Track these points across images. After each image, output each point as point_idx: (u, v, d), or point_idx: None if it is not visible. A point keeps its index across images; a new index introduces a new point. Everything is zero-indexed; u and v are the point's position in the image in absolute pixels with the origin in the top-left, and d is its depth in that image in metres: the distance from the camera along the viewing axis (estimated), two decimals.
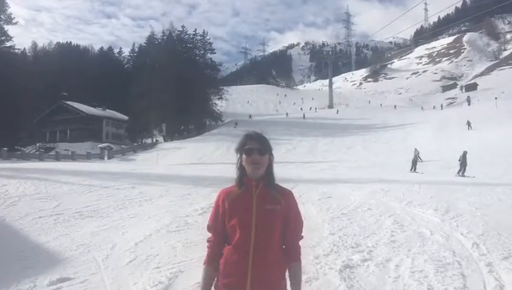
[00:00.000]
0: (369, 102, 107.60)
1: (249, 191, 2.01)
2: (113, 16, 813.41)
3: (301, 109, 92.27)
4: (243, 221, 1.97)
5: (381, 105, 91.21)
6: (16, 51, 68.23)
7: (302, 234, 2.15)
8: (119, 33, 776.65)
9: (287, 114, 76.82)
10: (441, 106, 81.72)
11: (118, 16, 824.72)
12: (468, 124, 40.97)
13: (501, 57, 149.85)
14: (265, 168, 2.05)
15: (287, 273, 2.07)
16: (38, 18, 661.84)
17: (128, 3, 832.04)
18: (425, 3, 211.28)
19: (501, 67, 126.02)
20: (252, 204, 1.98)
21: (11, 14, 62.29)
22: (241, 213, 1.98)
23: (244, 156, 2.03)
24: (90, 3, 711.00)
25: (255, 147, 2.01)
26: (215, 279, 2.04)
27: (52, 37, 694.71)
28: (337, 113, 72.83)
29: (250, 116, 76.85)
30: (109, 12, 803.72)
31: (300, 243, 2.13)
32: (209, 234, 2.12)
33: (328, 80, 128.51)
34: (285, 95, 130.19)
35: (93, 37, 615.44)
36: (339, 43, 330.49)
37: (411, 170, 22.71)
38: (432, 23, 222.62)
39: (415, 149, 25.54)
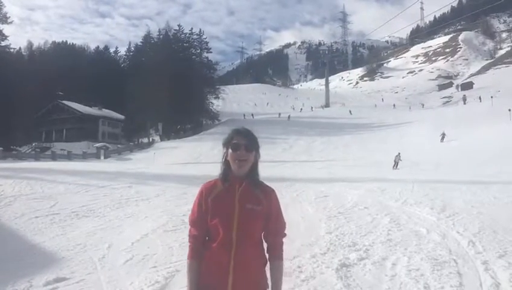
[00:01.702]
0: (382, 100, 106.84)
1: (232, 188, 2.01)
2: (107, 15, 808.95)
3: (301, 109, 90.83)
4: (225, 219, 1.97)
5: (375, 106, 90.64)
6: (11, 50, 67.91)
7: (286, 232, 2.15)
8: (114, 32, 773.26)
9: (279, 114, 75.31)
10: (422, 105, 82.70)
11: (112, 15, 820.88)
12: (443, 136, 36.42)
13: (496, 56, 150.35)
14: (251, 166, 2.05)
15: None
16: (32, 17, 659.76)
17: (123, 2, 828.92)
18: (421, 2, 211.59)
19: (497, 66, 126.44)
20: (234, 202, 1.98)
21: (7, 13, 61.95)
22: (223, 211, 1.98)
23: (230, 151, 2.02)
24: (84, 2, 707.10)
25: (242, 143, 2.00)
26: None
27: (47, 36, 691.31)
28: (350, 114, 71.08)
29: (244, 115, 76.45)
30: (103, 11, 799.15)
31: (284, 240, 2.14)
32: (191, 229, 2.10)
33: (324, 79, 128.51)
34: (283, 95, 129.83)
35: (87, 36, 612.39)
36: (336, 42, 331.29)
37: None
38: (427, 22, 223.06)
39: (398, 153, 25.57)
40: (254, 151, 2.05)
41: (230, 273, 1.93)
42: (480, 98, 64.60)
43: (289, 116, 68.73)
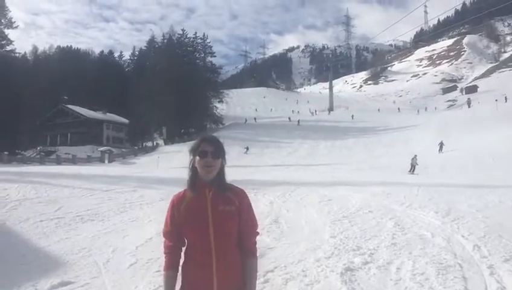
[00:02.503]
0: (394, 102, 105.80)
1: (203, 194, 2.05)
2: (111, 19, 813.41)
3: (312, 113, 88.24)
4: (200, 225, 2.00)
5: (378, 110, 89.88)
6: (17, 54, 68.36)
7: (258, 231, 2.20)
8: (118, 37, 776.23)
9: (289, 118, 73.31)
10: (425, 108, 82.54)
11: (116, 20, 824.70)
12: (441, 145, 33.27)
13: (501, 59, 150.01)
14: (217, 172, 2.09)
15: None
16: (37, 22, 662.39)
17: (126, 7, 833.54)
18: (425, 6, 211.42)
19: (501, 70, 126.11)
20: (207, 207, 2.02)
21: (12, 18, 62.48)
22: (197, 217, 2.02)
23: (197, 158, 2.05)
24: (88, 7, 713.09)
25: (209, 151, 2.05)
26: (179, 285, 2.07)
27: (51, 41, 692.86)
28: (352, 118, 69.64)
29: (246, 120, 75.72)
30: (107, 16, 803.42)
31: (258, 238, 2.18)
32: (165, 241, 2.13)
33: (327, 83, 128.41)
34: (289, 99, 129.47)
35: (91, 40, 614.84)
36: (339, 46, 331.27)
37: None
38: (431, 25, 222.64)
39: (415, 156, 24.42)
40: (221, 158, 2.09)
41: (215, 277, 1.97)
42: (506, 98, 63.43)
43: (299, 121, 67.57)
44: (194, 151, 2.08)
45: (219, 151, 2.08)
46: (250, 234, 2.14)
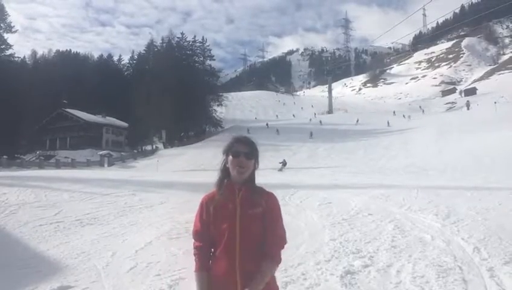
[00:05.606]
0: (421, 107, 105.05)
1: (232, 195, 2.02)
2: (107, 23, 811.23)
3: (317, 116, 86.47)
4: (228, 226, 1.98)
5: (376, 112, 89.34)
6: (16, 59, 68.39)
7: (286, 240, 2.09)
8: (114, 41, 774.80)
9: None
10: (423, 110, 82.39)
11: (112, 24, 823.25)
12: None
13: (500, 61, 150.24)
14: (249, 174, 2.06)
15: (276, 273, 2.08)
16: (34, 26, 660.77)
17: (123, 11, 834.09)
18: (424, 9, 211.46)
19: (500, 72, 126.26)
20: (235, 209, 2.00)
21: (11, 22, 62.64)
22: (226, 218, 2.00)
23: (230, 157, 2.03)
24: (85, 11, 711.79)
25: (243, 151, 2.03)
26: None
27: (48, 45, 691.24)
28: (357, 122, 67.59)
29: (253, 124, 74.80)
30: (104, 20, 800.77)
31: (285, 246, 2.08)
32: (195, 241, 2.11)
33: (326, 86, 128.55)
34: (287, 102, 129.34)
35: (88, 44, 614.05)
36: (338, 49, 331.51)
37: None
38: (430, 28, 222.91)
39: None
40: (254, 159, 2.07)
41: (238, 278, 1.95)
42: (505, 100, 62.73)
43: (267, 124, 66.93)
44: (227, 151, 2.07)
45: (253, 153, 2.06)
46: (275, 240, 2.03)
